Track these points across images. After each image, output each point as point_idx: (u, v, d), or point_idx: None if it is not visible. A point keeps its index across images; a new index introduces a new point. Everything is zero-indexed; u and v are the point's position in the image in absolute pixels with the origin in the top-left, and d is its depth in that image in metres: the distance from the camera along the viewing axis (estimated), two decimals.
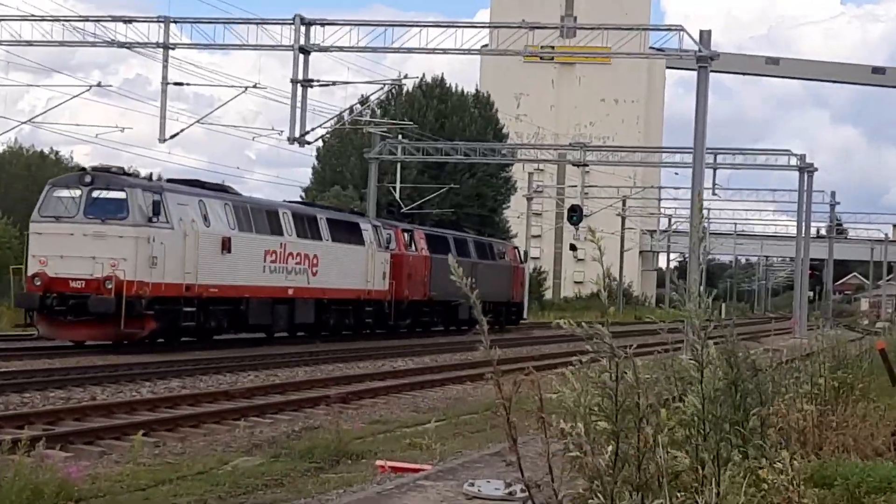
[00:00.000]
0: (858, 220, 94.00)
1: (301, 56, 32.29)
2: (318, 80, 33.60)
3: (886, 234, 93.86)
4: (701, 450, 5.25)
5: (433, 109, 62.23)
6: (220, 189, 29.68)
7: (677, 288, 5.54)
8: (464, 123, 62.46)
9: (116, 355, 23.75)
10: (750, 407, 5.68)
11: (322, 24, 32.52)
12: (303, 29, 32.08)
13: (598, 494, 4.77)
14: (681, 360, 5.65)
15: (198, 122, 36.93)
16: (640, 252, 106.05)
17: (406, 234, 38.80)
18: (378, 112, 56.55)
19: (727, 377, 5.48)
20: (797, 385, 7.92)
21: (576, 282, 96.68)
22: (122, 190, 25.42)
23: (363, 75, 65.92)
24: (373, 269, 35.38)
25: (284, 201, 35.14)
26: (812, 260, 61.92)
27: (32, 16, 32.74)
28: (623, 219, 79.16)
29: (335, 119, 41.40)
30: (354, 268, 34.32)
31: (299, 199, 47.99)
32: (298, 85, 32.49)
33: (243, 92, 35.50)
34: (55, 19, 32.80)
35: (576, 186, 66.97)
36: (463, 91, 66.63)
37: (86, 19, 33.17)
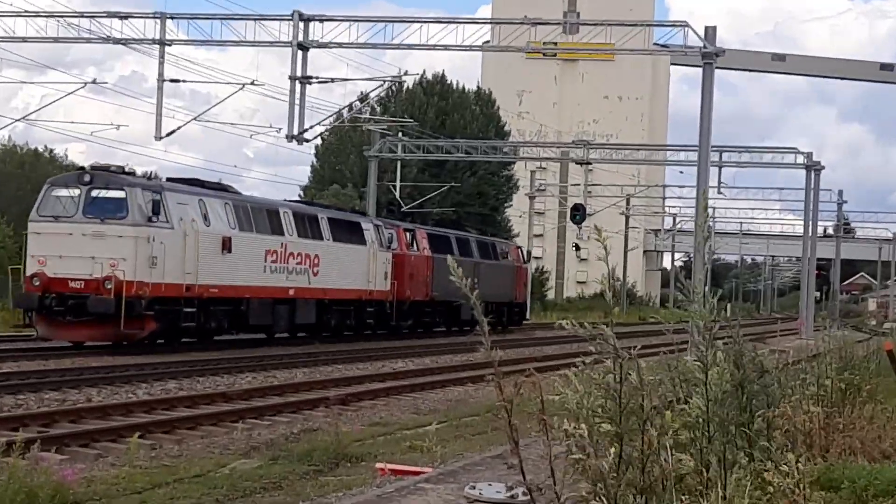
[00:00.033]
0: (866, 220, 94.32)
1: (299, 52, 32.30)
2: (316, 77, 33.62)
3: (894, 234, 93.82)
4: (706, 452, 5.25)
5: (434, 107, 62.22)
6: (221, 188, 29.74)
7: (683, 288, 5.55)
8: (465, 121, 62.46)
9: (112, 356, 23.75)
10: (756, 409, 5.68)
11: (321, 20, 32.53)
12: (301, 25, 32.09)
13: (602, 497, 4.77)
14: (686, 361, 5.66)
15: (194, 119, 36.94)
16: (644, 252, 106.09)
17: (408, 234, 38.82)
18: (378, 109, 56.63)
19: (733, 378, 5.48)
20: (803, 387, 7.92)
21: (579, 282, 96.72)
22: (122, 189, 25.46)
23: (363, 72, 65.88)
24: (374, 269, 35.41)
25: (286, 200, 35.15)
26: (819, 260, 61.96)
27: (27, 11, 32.78)
28: (627, 218, 79.16)
29: (334, 116, 41.35)
30: (356, 268, 34.35)
31: (298, 199, 48.00)
32: (297, 82, 32.50)
33: (241, 89, 35.54)
34: (50, 15, 32.82)
35: (579, 185, 67.01)
36: (464, 88, 66.65)
37: (81, 15, 33.21)
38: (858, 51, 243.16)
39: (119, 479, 10.73)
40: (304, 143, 34.56)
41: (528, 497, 4.84)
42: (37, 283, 25.07)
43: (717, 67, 32.27)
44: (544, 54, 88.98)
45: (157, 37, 32.22)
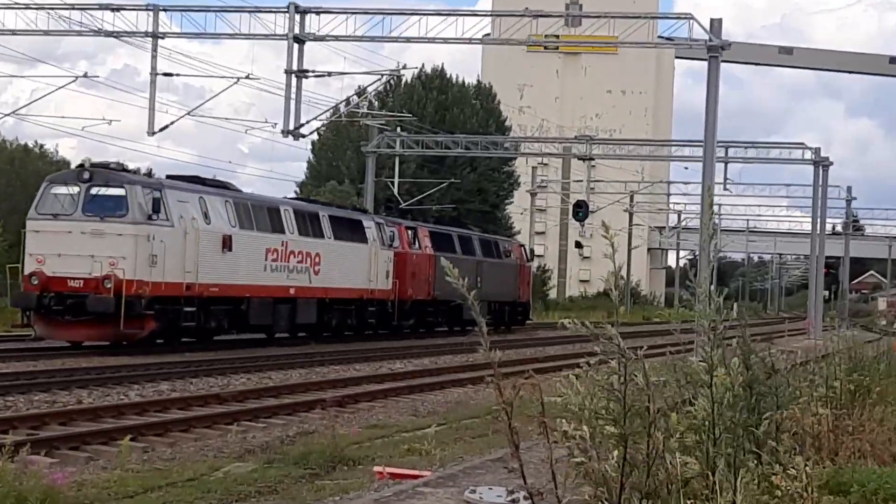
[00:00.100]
0: (875, 216, 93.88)
1: (295, 45, 32.29)
2: (313, 71, 33.65)
3: None
4: (712, 455, 5.24)
5: (433, 101, 62.23)
6: (221, 186, 29.82)
7: (689, 287, 5.54)
8: (465, 116, 62.47)
9: (108, 356, 23.77)
10: (764, 410, 5.67)
11: (317, 13, 32.51)
12: (297, 17, 32.08)
13: (605, 502, 4.76)
14: (691, 361, 5.65)
15: (188, 114, 36.99)
16: (649, 249, 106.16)
17: (409, 232, 38.83)
18: (375, 104, 56.59)
19: (742, 379, 5.47)
20: (812, 388, 7.90)
21: (581, 280, 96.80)
22: (122, 187, 25.54)
23: (360, 66, 66.01)
24: (376, 267, 35.45)
25: (286, 198, 35.17)
26: (827, 258, 61.90)
27: (16, 3, 32.75)
28: (631, 215, 79.18)
29: (331, 111, 41.40)
30: (357, 266, 34.39)
31: (295, 195, 48.03)
32: (293, 76, 32.49)
33: (235, 83, 35.52)
34: (40, 7, 32.78)
35: (581, 181, 66.99)
36: (464, 82, 66.68)
37: (72, 7, 33.14)
38: (867, 44, 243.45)
39: (110, 482, 10.72)
40: (301, 139, 34.54)
41: (530, 501, 4.83)
42: (35, 282, 25.14)
43: (723, 61, 32.27)
44: (546, 47, 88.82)
45: (150, 29, 32.21)
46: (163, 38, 32.79)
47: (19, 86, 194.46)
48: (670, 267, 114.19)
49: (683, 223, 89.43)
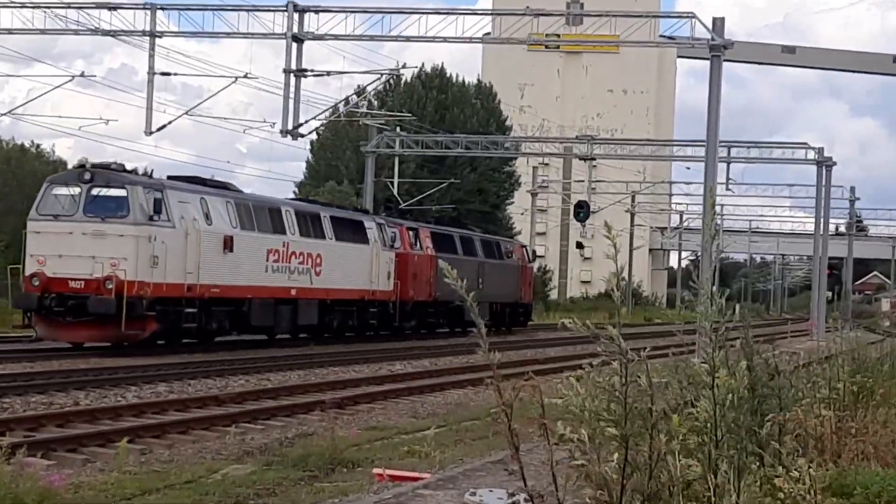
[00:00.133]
0: (879, 217, 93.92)
1: (294, 45, 32.30)
2: (312, 70, 33.64)
3: None
4: (715, 458, 5.24)
5: (433, 100, 62.22)
6: (222, 186, 29.90)
7: (692, 288, 5.54)
8: (465, 115, 62.46)
9: (100, 358, 23.79)
10: (767, 412, 5.67)
11: (316, 11, 32.52)
12: (296, 16, 32.09)
13: None
14: (693, 363, 5.65)
15: (186, 113, 36.99)
16: (651, 250, 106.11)
17: (411, 233, 38.87)
18: (375, 103, 56.59)
19: (744, 380, 5.47)
20: (815, 390, 7.91)
21: (583, 281, 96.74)
22: (123, 187, 25.63)
23: (359, 65, 66.04)
24: (377, 268, 35.50)
25: (287, 199, 35.22)
26: (830, 258, 61.97)
27: (12, 2, 32.74)
28: (632, 215, 79.18)
29: (330, 111, 41.41)
30: (358, 267, 34.45)
31: (293, 195, 48.03)
32: (291, 75, 32.50)
33: (234, 82, 35.52)
34: (36, 6, 32.79)
35: (582, 181, 67.06)
36: (464, 81, 66.64)
37: (69, 6, 33.16)
38: (871, 43, 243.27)
39: (108, 485, 10.73)
40: (299, 139, 34.56)
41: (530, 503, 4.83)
42: (36, 283, 25.23)
43: (726, 60, 32.28)
44: (547, 46, 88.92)
45: (147, 28, 32.23)
46: (160, 36, 32.80)
47: (16, 85, 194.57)
48: (672, 268, 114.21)
49: (685, 224, 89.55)
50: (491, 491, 7.94)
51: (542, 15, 34.10)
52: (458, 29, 32.66)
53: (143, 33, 32.41)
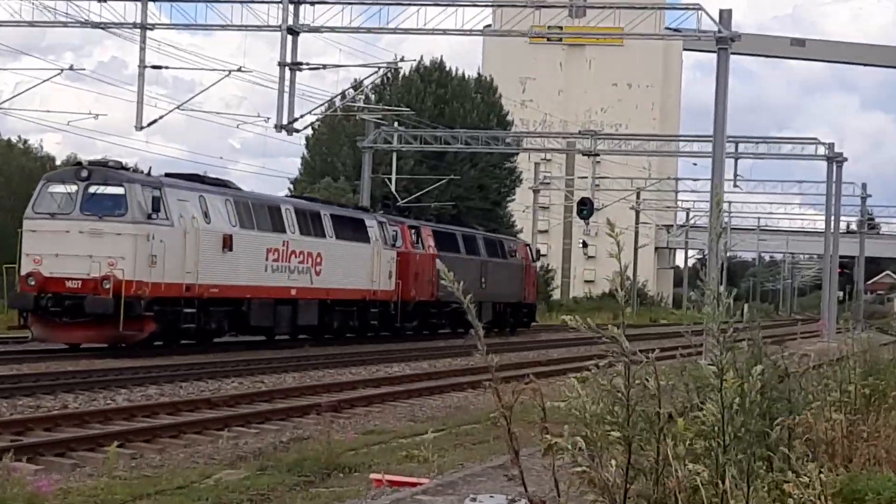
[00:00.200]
0: (891, 215, 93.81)
1: (289, 37, 32.31)
2: (307, 63, 33.65)
3: None
4: (723, 462, 5.23)
5: (432, 95, 62.23)
6: (221, 184, 29.95)
7: (699, 288, 5.53)
8: (465, 110, 62.47)
9: (90, 359, 23.80)
10: (776, 416, 5.66)
11: (312, 3, 32.54)
12: (291, 8, 32.09)
13: None
14: (700, 365, 5.64)
15: (178, 108, 36.96)
16: (656, 249, 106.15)
17: (413, 231, 38.89)
18: (372, 98, 56.61)
19: (753, 383, 5.46)
20: (825, 393, 7.90)
21: (586, 281, 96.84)
22: (121, 185, 25.69)
23: (356, 58, 65.91)
24: (378, 268, 35.54)
25: (286, 196, 35.26)
26: (841, 257, 61.95)
27: None
28: (637, 213, 79.18)
29: (326, 105, 41.41)
30: (359, 267, 34.50)
31: (288, 192, 48.05)
32: (286, 68, 32.51)
33: (227, 76, 35.56)
34: None
35: (586, 178, 67.04)
36: (464, 75, 66.66)
37: None
38: (882, 35, 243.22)
39: (97, 490, 10.72)
40: (294, 134, 34.63)
41: None
42: (32, 283, 25.28)
43: (733, 53, 32.30)
44: (549, 39, 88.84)
45: (139, 20, 32.23)
46: (152, 29, 32.80)
47: (2, 79, 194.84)
48: (678, 267, 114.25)
49: (692, 221, 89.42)
50: (491, 497, 7.93)
51: (545, 7, 34.10)
52: (458, 21, 32.70)
53: (134, 25, 32.42)
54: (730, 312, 5.36)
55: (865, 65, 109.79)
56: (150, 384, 20.60)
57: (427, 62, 64.63)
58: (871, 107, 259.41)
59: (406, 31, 33.99)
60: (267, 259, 29.81)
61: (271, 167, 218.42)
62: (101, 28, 33.28)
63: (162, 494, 10.61)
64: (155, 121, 34.08)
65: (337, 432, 14.27)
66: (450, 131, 51.30)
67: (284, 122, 32.96)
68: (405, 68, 59.90)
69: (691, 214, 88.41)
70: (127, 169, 26.71)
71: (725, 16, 31.54)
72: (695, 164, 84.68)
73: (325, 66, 36.66)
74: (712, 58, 32.78)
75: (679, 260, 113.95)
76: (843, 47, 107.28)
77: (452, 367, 27.90)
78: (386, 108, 50.74)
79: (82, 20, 32.90)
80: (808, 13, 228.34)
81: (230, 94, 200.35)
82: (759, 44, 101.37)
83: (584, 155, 55.39)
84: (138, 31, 32.51)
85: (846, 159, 53.09)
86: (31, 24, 33.51)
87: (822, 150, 51.71)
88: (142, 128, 33.31)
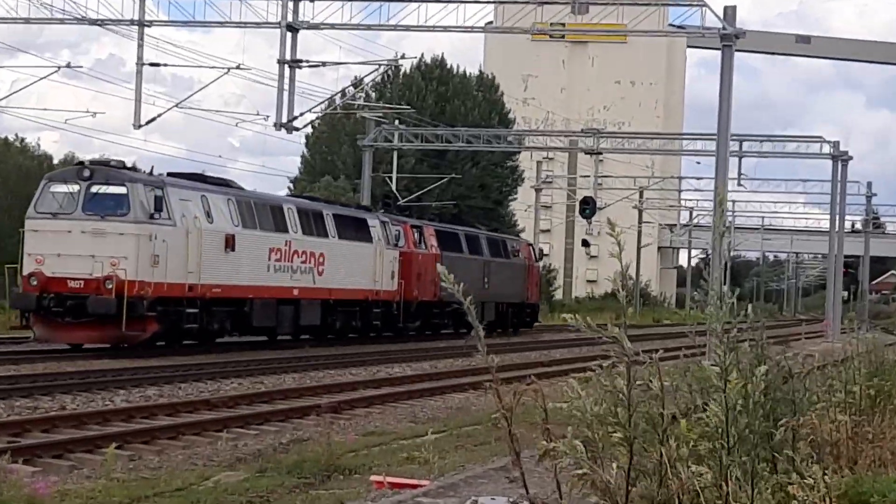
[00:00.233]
0: None
1: (289, 34, 32.31)
2: (307, 61, 33.67)
3: None
4: (727, 464, 5.24)
5: (433, 92, 62.24)
6: (223, 183, 30.00)
7: (703, 287, 5.53)
8: (466, 108, 62.48)
9: (86, 360, 23.84)
10: (780, 417, 5.67)
11: (311, 0, 32.52)
12: (290, 4, 32.10)
13: None
14: (703, 366, 5.65)
15: (176, 106, 36.96)
16: (659, 248, 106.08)
17: (415, 231, 38.93)
18: (373, 95, 56.64)
19: (757, 385, 5.47)
20: (830, 393, 7.91)
21: (588, 280, 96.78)
22: (123, 185, 25.78)
23: (356, 55, 66.05)
24: (381, 268, 35.58)
25: (288, 195, 35.29)
26: (846, 257, 61.90)
27: None
28: (640, 212, 79.17)
29: (326, 103, 41.36)
30: (362, 267, 34.54)
31: (288, 191, 48.07)
32: (286, 66, 32.52)
33: (226, 73, 35.55)
34: None
35: (588, 176, 67.10)
36: (465, 72, 66.68)
37: None
38: (887, 32, 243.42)
39: (95, 492, 10.73)
40: (294, 132, 34.64)
41: None
42: (34, 283, 25.38)
43: (737, 50, 32.27)
44: (551, 36, 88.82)
45: (136, 17, 32.23)
46: (149, 26, 32.81)
47: None
48: (682, 266, 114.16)
49: (695, 220, 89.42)
50: (493, 499, 7.94)
51: (547, 3, 34.06)
52: (460, 18, 32.69)
53: (132, 22, 32.42)
54: (733, 312, 5.37)
55: (871, 62, 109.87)
56: (148, 385, 20.61)
57: (428, 59, 64.68)
58: (877, 105, 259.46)
59: (407, 28, 34.01)
60: (269, 259, 29.87)
61: (271, 166, 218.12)
62: (99, 25, 33.29)
63: (160, 496, 10.62)
64: (153, 119, 34.13)
65: (337, 434, 14.29)
66: (451, 129, 51.30)
67: (284, 120, 32.97)
68: (406, 66, 59.98)
69: (695, 213, 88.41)
70: (129, 168, 26.78)
71: (730, 12, 31.53)
72: (698, 163, 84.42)
73: (325, 64, 36.75)
74: (716, 55, 32.75)
75: (682, 259, 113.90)
76: (848, 44, 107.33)
77: (454, 368, 27.91)
78: (386, 106, 50.75)
79: (79, 17, 32.91)
80: (813, 10, 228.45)
81: (229, 92, 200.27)
82: (764, 41, 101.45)
83: (586, 153, 55.39)
84: (136, 27, 32.51)
85: (851, 158, 53.02)
86: (28, 20, 33.53)
87: (826, 149, 51.68)
88: (140, 126, 33.33)
